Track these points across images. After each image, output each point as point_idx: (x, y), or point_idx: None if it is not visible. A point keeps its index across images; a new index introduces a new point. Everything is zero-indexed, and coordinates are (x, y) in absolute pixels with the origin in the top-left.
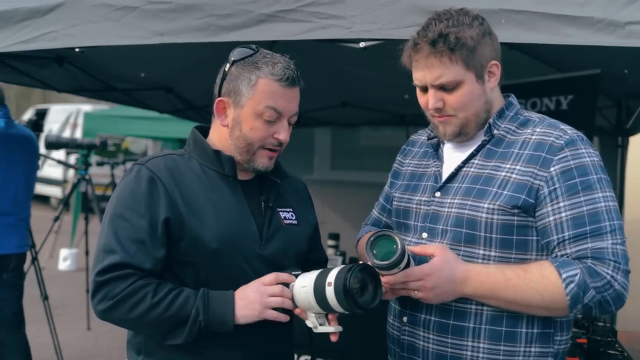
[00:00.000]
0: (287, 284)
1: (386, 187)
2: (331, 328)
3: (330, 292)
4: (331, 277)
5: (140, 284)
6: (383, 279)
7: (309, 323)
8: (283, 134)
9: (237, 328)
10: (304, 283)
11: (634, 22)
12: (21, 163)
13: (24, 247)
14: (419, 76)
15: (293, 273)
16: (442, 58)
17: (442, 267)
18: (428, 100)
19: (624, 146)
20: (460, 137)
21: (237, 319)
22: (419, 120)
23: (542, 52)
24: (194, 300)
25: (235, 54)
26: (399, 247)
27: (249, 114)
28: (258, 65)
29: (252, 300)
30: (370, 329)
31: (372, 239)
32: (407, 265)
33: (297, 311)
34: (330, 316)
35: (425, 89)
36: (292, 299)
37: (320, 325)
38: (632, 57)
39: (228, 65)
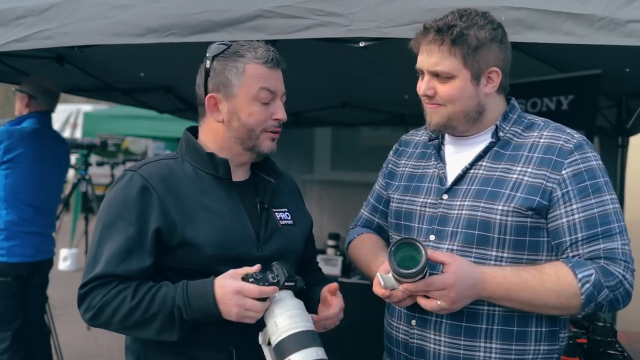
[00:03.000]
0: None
1: (377, 187)
2: (269, 357)
3: None
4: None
5: (119, 289)
6: (402, 287)
7: (260, 336)
8: (280, 112)
9: (235, 330)
10: (277, 320)
11: (635, 21)
12: (55, 170)
13: (53, 250)
14: (420, 60)
15: (286, 284)
16: (442, 47)
17: (462, 275)
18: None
19: (624, 146)
20: (446, 129)
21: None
22: (419, 120)
23: (543, 51)
24: (172, 297)
25: (212, 50)
26: (424, 256)
27: (245, 101)
28: (240, 53)
29: (230, 308)
30: (369, 329)
31: (395, 246)
32: (427, 273)
33: None
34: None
35: (423, 74)
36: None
37: (268, 345)
38: (633, 57)
39: (208, 62)
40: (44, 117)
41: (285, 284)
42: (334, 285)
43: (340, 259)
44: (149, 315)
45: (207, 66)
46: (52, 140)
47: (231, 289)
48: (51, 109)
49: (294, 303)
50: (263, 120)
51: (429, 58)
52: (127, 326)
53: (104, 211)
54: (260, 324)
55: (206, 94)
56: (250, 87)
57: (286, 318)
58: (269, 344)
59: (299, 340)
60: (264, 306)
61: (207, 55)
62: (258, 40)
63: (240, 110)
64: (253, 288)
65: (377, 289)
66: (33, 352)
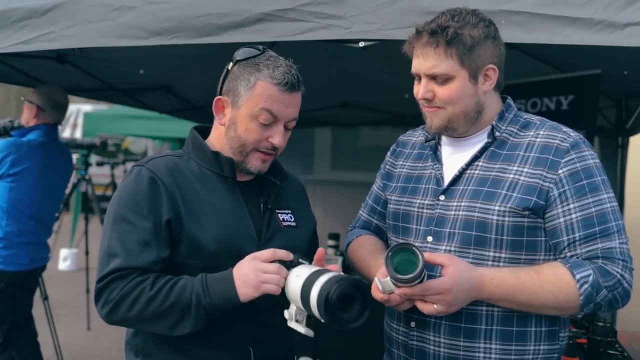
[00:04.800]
0: (284, 263)
1: (375, 188)
2: (302, 329)
3: (314, 294)
4: (322, 279)
5: (138, 280)
6: (399, 290)
7: (286, 314)
8: (277, 138)
9: (235, 329)
10: (299, 272)
11: (633, 24)
12: (59, 183)
13: (48, 257)
14: (415, 64)
15: (300, 260)
16: (438, 49)
17: (459, 279)
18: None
19: (624, 146)
20: (447, 131)
21: (239, 296)
22: (419, 120)
23: (543, 52)
24: (191, 285)
25: (239, 54)
26: (421, 261)
27: (245, 116)
28: (259, 67)
29: (248, 277)
30: (369, 330)
31: (392, 251)
32: (424, 277)
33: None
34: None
35: (420, 78)
36: (284, 285)
37: (296, 321)
38: (632, 58)
39: (231, 64)
40: (52, 129)
41: (300, 260)
42: (321, 251)
43: (340, 259)
44: (167, 306)
45: (229, 68)
46: (57, 154)
47: (246, 258)
48: (59, 121)
49: (311, 267)
50: (257, 140)
51: (425, 61)
52: (144, 318)
53: (115, 205)
54: (271, 332)
55: (220, 94)
56: (254, 103)
57: (306, 268)
58: (296, 320)
59: (325, 271)
60: (279, 269)
61: (233, 56)
62: (273, 43)
63: (238, 122)
64: (266, 250)
65: (376, 294)
66: (21, 353)
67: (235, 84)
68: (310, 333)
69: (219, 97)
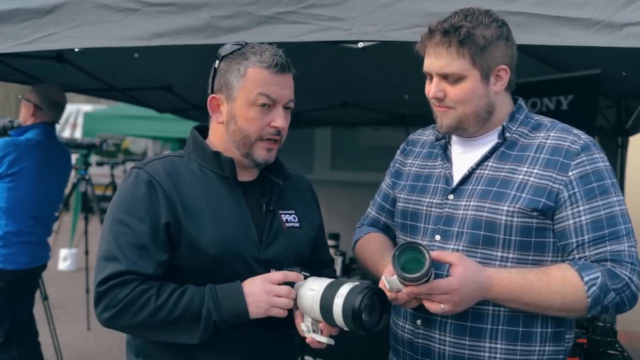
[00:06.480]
0: (293, 284)
1: (384, 186)
2: (323, 338)
3: (337, 306)
4: (342, 291)
5: (143, 288)
6: (406, 289)
7: (302, 326)
8: (279, 120)
9: (236, 333)
10: (312, 287)
11: (631, 24)
12: (57, 182)
13: (48, 256)
14: (427, 63)
15: (303, 273)
16: (450, 49)
17: (467, 279)
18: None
19: (624, 146)
20: (457, 131)
21: (249, 313)
22: (419, 120)
23: (543, 52)
24: (199, 298)
25: (224, 50)
26: (428, 260)
27: (242, 105)
28: (246, 55)
29: (259, 298)
30: None
31: (398, 250)
32: (431, 276)
33: (295, 312)
34: (323, 326)
35: (431, 77)
36: (295, 299)
37: (313, 332)
38: (630, 58)
39: (217, 61)
40: (49, 128)
41: (302, 272)
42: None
43: (340, 259)
44: (174, 317)
45: (216, 66)
46: (55, 153)
47: (258, 279)
48: (56, 120)
49: (321, 280)
50: (260, 127)
51: (437, 60)
52: (148, 327)
53: (113, 208)
54: (271, 336)
55: (212, 93)
56: (249, 91)
57: (319, 281)
58: (313, 331)
59: (339, 282)
60: (290, 290)
61: (218, 54)
62: (270, 43)
63: (237, 114)
64: (278, 273)
65: None
66: (21, 353)
67: (226, 78)
68: (331, 341)
69: (212, 95)
